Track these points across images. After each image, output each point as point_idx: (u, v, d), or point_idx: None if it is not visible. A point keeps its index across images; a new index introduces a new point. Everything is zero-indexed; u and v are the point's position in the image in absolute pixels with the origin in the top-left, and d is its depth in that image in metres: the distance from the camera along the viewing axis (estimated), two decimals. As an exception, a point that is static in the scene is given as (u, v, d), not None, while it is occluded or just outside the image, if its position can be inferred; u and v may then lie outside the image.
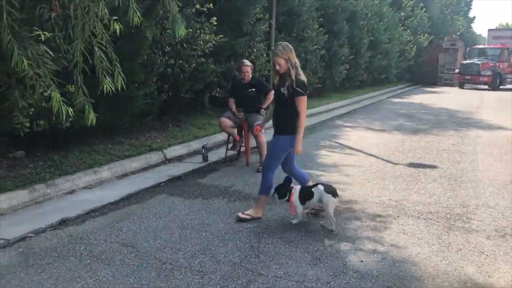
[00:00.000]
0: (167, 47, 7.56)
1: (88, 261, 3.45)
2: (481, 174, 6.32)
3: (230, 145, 6.88)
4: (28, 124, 5.21)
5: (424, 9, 30.50)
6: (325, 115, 12.59)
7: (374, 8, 20.44)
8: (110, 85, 4.65)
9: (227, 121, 6.56)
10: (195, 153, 7.27)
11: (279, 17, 12.18)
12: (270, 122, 4.78)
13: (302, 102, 4.28)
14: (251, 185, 5.56)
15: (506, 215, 4.67)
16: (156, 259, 3.51)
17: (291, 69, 4.24)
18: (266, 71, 11.30)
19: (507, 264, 3.55)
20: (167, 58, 7.60)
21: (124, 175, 5.82)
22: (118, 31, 4.71)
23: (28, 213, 4.41)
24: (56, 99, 4.23)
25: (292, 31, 13.05)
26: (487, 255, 3.72)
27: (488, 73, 25.41)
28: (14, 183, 4.79)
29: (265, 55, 10.97)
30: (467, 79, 26.11)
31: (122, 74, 4.97)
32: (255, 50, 10.48)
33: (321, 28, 14.34)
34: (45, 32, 4.01)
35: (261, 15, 10.74)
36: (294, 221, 4.32)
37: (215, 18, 8.33)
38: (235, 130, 6.76)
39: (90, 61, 4.78)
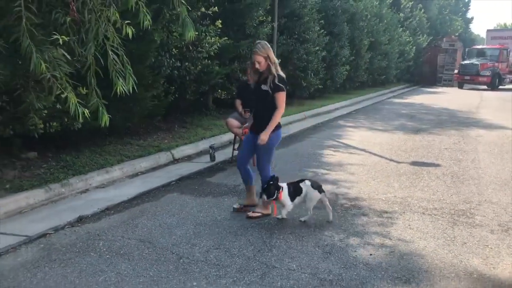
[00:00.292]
0: (173, 49, 7.70)
1: (108, 256, 3.59)
2: (482, 172, 6.47)
3: (236, 145, 7.01)
4: (42, 126, 5.35)
5: (423, 10, 30.71)
6: (327, 116, 12.74)
7: (373, 10, 20.61)
8: (123, 87, 4.80)
9: (234, 122, 6.69)
10: (202, 153, 7.41)
11: (280, 20, 12.35)
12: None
13: (283, 97, 4.38)
14: (259, 184, 5.68)
15: (509, 210, 4.81)
16: (173, 254, 3.64)
17: (271, 66, 4.34)
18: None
19: (510, 257, 3.68)
20: (173, 60, 7.74)
21: (135, 175, 5.95)
22: (130, 34, 4.85)
23: (45, 211, 4.54)
24: (72, 101, 4.37)
25: (294, 33, 13.21)
26: (491, 248, 3.86)
27: (487, 73, 25.60)
28: (30, 182, 4.93)
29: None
30: (466, 79, 26.30)
31: (134, 77, 5.13)
32: (258, 52, 10.60)
33: (322, 30, 14.49)
34: (63, 36, 4.13)
35: (264, 18, 10.89)
36: (284, 216, 4.40)
37: (220, 21, 8.47)
38: (241, 131, 6.89)
39: (103, 63, 4.94)
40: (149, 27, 5.18)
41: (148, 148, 6.84)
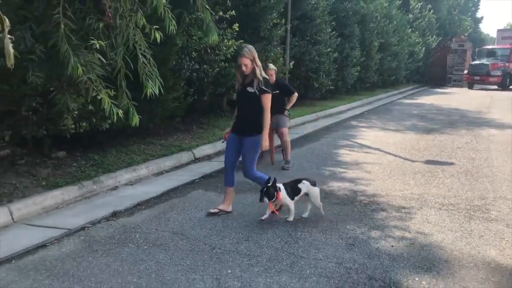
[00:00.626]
0: (193, 53, 7.95)
1: (145, 246, 3.83)
2: (496, 170, 6.64)
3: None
4: (73, 126, 5.62)
5: (432, 11, 30.76)
6: (340, 116, 12.94)
7: (383, 11, 20.76)
8: (153, 89, 5.05)
9: (253, 122, 6.92)
10: (220, 152, 7.61)
11: (293, 22, 12.56)
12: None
13: (269, 99, 4.52)
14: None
15: (523, 206, 4.99)
16: (205, 245, 3.88)
17: (256, 69, 4.47)
18: (282, 74, 11.65)
19: (526, 248, 3.88)
20: (193, 63, 7.98)
21: (160, 173, 6.20)
22: (158, 39, 5.10)
23: (80, 206, 4.80)
24: (107, 102, 4.63)
25: (306, 35, 13.43)
26: (507, 240, 4.05)
27: (498, 73, 25.62)
28: (64, 180, 5.19)
29: (281, 59, 11.35)
30: (476, 79, 26.33)
31: (160, 79, 5.39)
32: (272, 54, 10.85)
33: (334, 32, 14.69)
34: (100, 41, 4.39)
35: (278, 20, 11.11)
36: (291, 219, 4.46)
37: (237, 24, 8.71)
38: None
39: (132, 67, 5.20)
40: (174, 31, 5.45)
41: (170, 148, 7.09)
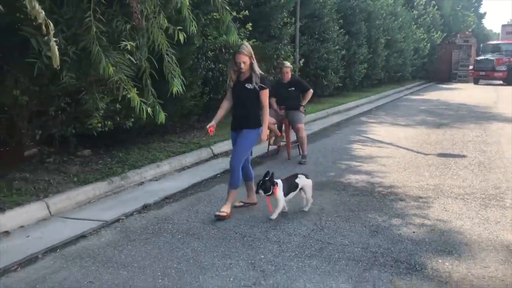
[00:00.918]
0: (209, 52, 8.16)
1: (179, 236, 4.04)
2: (507, 162, 6.81)
3: (272, 140, 7.45)
4: (100, 125, 5.84)
5: (436, 7, 30.87)
6: (349, 113, 13.13)
7: (388, 8, 20.93)
8: (178, 87, 5.27)
9: (270, 119, 7.11)
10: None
11: (301, 20, 12.74)
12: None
13: (267, 94, 4.58)
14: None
15: (536, 194, 5.17)
16: (236, 234, 4.08)
17: (254, 65, 4.52)
18: (292, 72, 11.82)
19: (541, 232, 4.06)
20: (208, 62, 8.20)
21: (182, 169, 6.41)
22: (182, 39, 5.32)
23: (111, 201, 5.02)
24: (136, 100, 4.85)
25: (314, 33, 13.63)
26: (523, 225, 4.24)
27: (503, 68, 25.73)
28: (93, 176, 5.41)
29: (291, 57, 11.54)
30: (481, 75, 26.45)
31: (182, 77, 5.61)
32: (282, 52, 11.05)
33: (341, 29, 14.88)
34: (130, 42, 4.60)
35: (288, 19, 11.31)
36: (274, 216, 4.40)
37: (251, 24, 8.91)
38: (276, 127, 7.33)
39: (157, 66, 5.42)
40: (195, 32, 5.67)
41: (189, 145, 7.30)
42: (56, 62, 3.47)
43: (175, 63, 5.50)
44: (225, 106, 4.85)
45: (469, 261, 3.50)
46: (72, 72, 4.79)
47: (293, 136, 7.41)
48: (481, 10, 50.22)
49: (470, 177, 5.94)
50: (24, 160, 5.90)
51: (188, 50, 7.26)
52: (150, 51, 5.39)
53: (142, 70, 5.29)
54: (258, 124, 4.61)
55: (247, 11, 8.85)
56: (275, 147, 7.59)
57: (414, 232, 4.09)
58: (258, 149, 7.62)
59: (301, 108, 7.18)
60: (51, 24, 3.53)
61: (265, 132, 4.63)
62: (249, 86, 4.54)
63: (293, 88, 7.16)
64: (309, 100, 7.48)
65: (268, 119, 4.66)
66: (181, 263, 3.51)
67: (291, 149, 7.32)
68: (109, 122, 6.20)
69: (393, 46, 21.29)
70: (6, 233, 4.04)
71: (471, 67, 28.26)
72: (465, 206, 4.80)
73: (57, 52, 3.47)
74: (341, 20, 15.03)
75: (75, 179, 5.28)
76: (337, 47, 14.44)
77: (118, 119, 6.23)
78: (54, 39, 3.49)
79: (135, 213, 4.66)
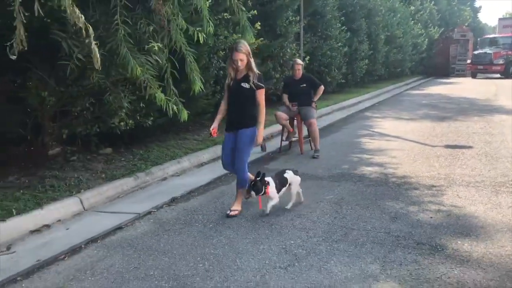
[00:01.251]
0: (220, 51, 8.39)
1: (211, 225, 4.28)
2: (513, 151, 7.08)
3: (284, 136, 7.69)
4: (123, 123, 6.06)
5: (433, 2, 31.15)
6: (353, 108, 13.38)
7: (387, 4, 21.18)
8: (201, 86, 5.51)
9: (282, 115, 7.37)
10: (249, 145, 8.08)
11: (305, 19, 12.98)
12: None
13: (263, 94, 4.49)
14: (314, 168, 6.37)
15: (543, 180, 5.43)
16: (264, 222, 4.33)
17: (252, 64, 4.43)
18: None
19: (551, 215, 4.32)
20: (220, 61, 8.42)
21: (200, 165, 6.65)
22: (201, 40, 5.55)
23: (139, 195, 5.26)
24: (162, 99, 5.08)
25: (317, 31, 13.87)
26: (533, 209, 4.49)
27: (501, 61, 26.02)
28: (120, 172, 5.64)
29: (297, 55, 11.78)
30: (479, 68, 26.75)
31: (201, 77, 5.84)
32: (288, 50, 11.30)
33: (344, 27, 15.12)
34: (158, 44, 4.83)
35: (293, 18, 11.54)
36: (267, 211, 4.47)
37: (259, 23, 9.13)
38: (288, 122, 7.57)
39: (178, 66, 5.65)
40: (211, 32, 5.90)
41: (205, 142, 7.54)
42: (98, 63, 3.70)
43: (194, 63, 5.74)
44: (224, 106, 4.74)
45: (486, 242, 3.75)
46: (100, 72, 5.02)
47: (304, 132, 7.64)
48: (477, 4, 50.63)
49: (478, 166, 6.19)
50: (49, 159, 6.13)
51: (202, 49, 7.49)
52: (171, 51, 5.63)
53: (164, 70, 5.53)
54: (254, 123, 4.50)
55: (256, 11, 9.06)
56: (287, 142, 7.82)
57: (431, 217, 4.33)
58: (271, 146, 7.89)
59: (313, 104, 7.43)
60: (90, 28, 3.75)
61: (261, 135, 4.52)
62: (245, 85, 4.45)
63: (305, 85, 7.40)
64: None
65: (264, 119, 4.52)
66: (217, 249, 3.75)
67: (303, 144, 7.56)
68: (130, 121, 6.43)
69: (392, 42, 21.56)
70: (47, 226, 4.27)
71: (469, 61, 28.57)
72: (477, 193, 5.05)
73: (98, 54, 3.69)
74: (343, 18, 15.26)
75: (103, 175, 5.50)
76: (340, 44, 14.69)
77: (138, 117, 6.46)
78: (94, 42, 3.71)
79: (164, 205, 4.90)
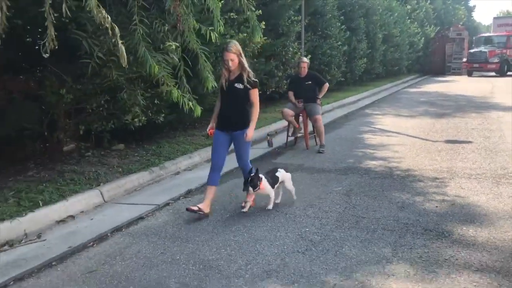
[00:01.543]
0: (226, 50, 8.60)
1: (228, 215, 4.51)
2: (511, 146, 7.33)
3: (290, 132, 7.92)
4: (136, 120, 6.27)
5: (429, 1, 31.49)
6: (353, 106, 13.62)
7: (384, 3, 21.46)
8: (213, 83, 5.73)
9: (289, 111, 7.61)
10: (256, 141, 8.29)
11: (305, 18, 13.20)
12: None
13: (257, 93, 4.48)
14: (320, 162, 6.61)
15: (541, 172, 5.69)
16: (278, 212, 4.55)
17: (244, 63, 4.39)
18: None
19: (550, 203, 4.57)
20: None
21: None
22: (213, 39, 5.77)
23: (155, 188, 5.47)
24: (177, 95, 5.30)
25: (317, 30, 14.10)
26: (533, 198, 4.74)
27: (496, 60, 26.36)
28: (135, 167, 5.85)
29: (298, 53, 12.01)
30: (475, 67, 27.07)
31: (213, 75, 6.07)
32: (290, 49, 11.52)
33: (343, 26, 15.37)
34: (175, 43, 5.05)
35: (295, 17, 11.77)
36: (270, 206, 4.61)
37: (264, 22, 9.34)
38: (294, 118, 7.80)
39: (191, 64, 5.87)
40: (222, 31, 6.12)
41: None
42: (124, 61, 3.91)
43: (205, 60, 5.97)
44: (219, 106, 4.73)
45: (490, 228, 4.00)
46: (119, 70, 5.23)
47: (309, 128, 7.87)
48: (471, 4, 51.14)
49: (479, 160, 6.45)
50: (64, 155, 6.33)
51: (210, 48, 7.69)
52: (184, 50, 5.85)
53: (177, 68, 5.75)
54: (248, 123, 4.50)
55: (260, 10, 9.28)
56: (293, 138, 8.05)
57: (437, 207, 4.58)
58: (277, 141, 8.12)
59: (318, 101, 7.66)
60: (116, 28, 3.96)
61: (251, 131, 4.50)
62: (238, 85, 4.42)
63: (310, 82, 7.63)
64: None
65: (256, 118, 4.52)
66: (237, 236, 3.97)
67: (309, 139, 7.79)
68: (143, 118, 6.64)
69: (390, 41, 21.84)
70: (72, 217, 4.48)
71: (464, 59, 28.89)
72: (479, 184, 5.30)
73: (124, 53, 3.90)
74: (342, 17, 15.51)
75: (120, 169, 5.71)
76: (339, 43, 14.93)
77: (150, 114, 6.67)
78: (121, 41, 3.92)
79: (181, 197, 5.12)
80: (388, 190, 5.18)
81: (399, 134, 8.80)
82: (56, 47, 3.88)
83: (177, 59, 5.67)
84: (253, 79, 4.46)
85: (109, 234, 4.11)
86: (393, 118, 11.13)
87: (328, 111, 12.35)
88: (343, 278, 3.19)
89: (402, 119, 10.88)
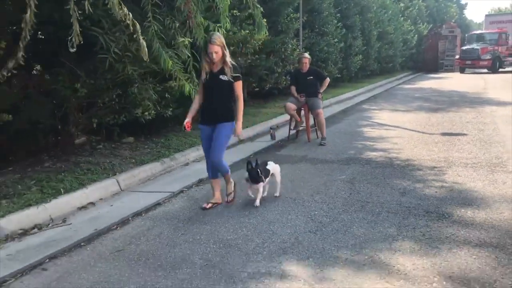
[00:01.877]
0: (230, 47, 8.85)
1: (240, 201, 4.78)
2: (504, 137, 7.66)
3: (292, 125, 8.19)
4: (147, 113, 6.51)
5: (421, -1, 31.94)
6: (350, 102, 13.93)
7: (378, 1, 21.80)
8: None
9: (292, 105, 7.88)
10: (258, 135, 8.59)
11: (303, 15, 13.48)
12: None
13: (241, 86, 4.48)
14: (323, 154, 6.89)
15: (533, 161, 6.01)
16: (287, 198, 4.83)
17: (226, 56, 4.37)
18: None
19: (541, 188, 4.89)
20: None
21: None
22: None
23: (167, 178, 5.73)
24: (188, 88, 5.55)
25: (314, 27, 14.39)
26: (525, 184, 5.05)
27: (488, 57, 26.78)
28: (147, 158, 6.10)
29: (297, 50, 12.29)
30: (467, 64, 27.49)
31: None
32: (289, 46, 11.80)
33: (340, 23, 15.67)
34: (188, 39, 5.29)
35: (294, 15, 12.05)
36: (257, 203, 4.59)
37: (265, 20, 9.60)
38: (296, 112, 8.07)
39: (199, 59, 6.10)
40: (229, 28, 6.37)
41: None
42: (146, 56, 4.16)
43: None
44: (198, 100, 4.68)
45: (486, 210, 4.30)
46: (133, 65, 5.47)
47: (310, 121, 8.15)
48: (463, 1, 51.72)
49: (474, 151, 6.76)
50: (76, 147, 6.56)
51: (215, 45, 7.95)
52: (193, 46, 6.11)
53: (187, 63, 6.00)
54: (232, 117, 4.52)
55: (262, 8, 9.54)
56: (294, 131, 8.33)
57: (436, 192, 4.87)
58: (279, 134, 8.39)
59: (319, 95, 7.94)
60: (137, 25, 4.21)
61: (239, 127, 4.52)
62: (223, 77, 4.40)
63: (311, 77, 7.91)
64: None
65: (242, 111, 4.50)
66: (251, 219, 4.25)
67: (310, 133, 8.07)
68: (152, 112, 6.88)
69: (384, 38, 22.20)
70: (92, 204, 4.73)
71: (457, 56, 29.33)
72: (475, 172, 5.61)
73: (146, 48, 4.14)
74: (338, 14, 15.80)
75: (133, 160, 5.96)
76: (336, 40, 15.23)
77: (159, 108, 6.91)
78: (142, 37, 4.16)
79: (193, 186, 5.39)
80: (389, 178, 5.47)
81: (396, 127, 9.11)
82: (82, 42, 4.10)
83: (187, 54, 5.92)
84: (236, 72, 4.43)
85: (130, 219, 4.37)
86: (389, 113, 11.44)
87: (326, 106, 12.59)
88: (354, 253, 3.47)
89: (399, 113, 11.20)
